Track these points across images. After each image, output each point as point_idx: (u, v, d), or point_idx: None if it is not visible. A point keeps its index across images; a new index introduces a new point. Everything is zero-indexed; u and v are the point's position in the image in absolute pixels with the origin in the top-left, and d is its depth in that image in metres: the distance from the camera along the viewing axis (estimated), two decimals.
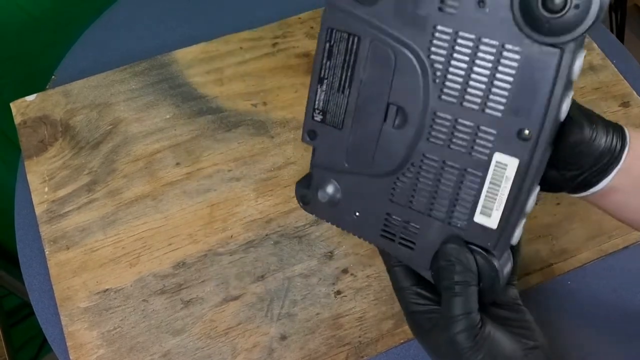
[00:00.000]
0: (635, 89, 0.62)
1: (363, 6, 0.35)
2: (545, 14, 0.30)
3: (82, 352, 0.46)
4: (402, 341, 0.48)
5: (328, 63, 0.37)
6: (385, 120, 0.36)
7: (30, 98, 0.58)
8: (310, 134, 0.39)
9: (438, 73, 0.34)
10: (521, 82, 0.32)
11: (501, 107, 0.33)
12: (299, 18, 0.65)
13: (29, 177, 0.54)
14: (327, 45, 0.36)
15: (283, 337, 0.48)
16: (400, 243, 0.37)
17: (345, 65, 0.36)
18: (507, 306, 0.39)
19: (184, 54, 0.62)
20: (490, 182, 0.35)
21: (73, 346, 0.47)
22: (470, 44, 0.33)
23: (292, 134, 0.57)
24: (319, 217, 0.41)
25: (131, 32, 0.66)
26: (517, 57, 0.32)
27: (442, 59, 0.33)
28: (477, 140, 0.34)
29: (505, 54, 0.32)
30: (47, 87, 0.60)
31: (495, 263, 0.35)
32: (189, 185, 0.54)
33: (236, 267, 0.50)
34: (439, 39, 0.33)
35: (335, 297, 0.49)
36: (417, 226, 0.37)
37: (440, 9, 0.33)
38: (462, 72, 0.33)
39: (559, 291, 0.52)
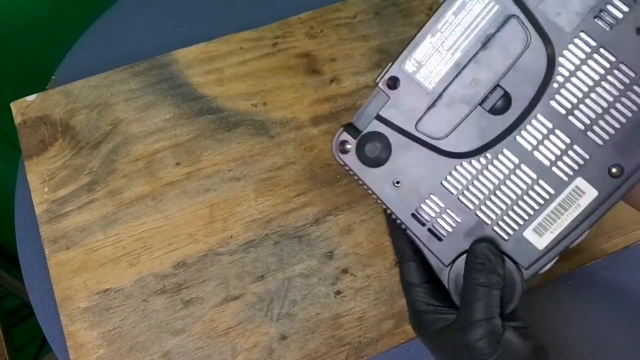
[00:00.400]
0: None
1: None
2: None
3: (82, 352, 0.46)
4: (402, 341, 0.48)
5: (452, 18, 0.33)
6: (483, 101, 0.34)
7: (31, 98, 0.58)
8: (391, 81, 0.35)
9: (560, 78, 0.33)
10: (638, 121, 0.32)
11: (606, 137, 0.32)
12: (299, 18, 0.65)
13: (29, 177, 0.54)
14: (460, 1, 0.33)
15: (283, 337, 0.48)
16: (430, 230, 0.35)
17: (470, 27, 0.33)
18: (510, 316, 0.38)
19: (184, 54, 0.62)
20: (559, 204, 0.34)
21: (73, 346, 0.47)
22: (607, 64, 0.32)
23: (292, 134, 0.57)
24: (352, 170, 0.36)
25: (131, 32, 0.66)
26: None
27: (571, 66, 0.32)
28: (565, 158, 0.33)
29: (636, 88, 0.31)
30: (47, 87, 0.60)
31: (522, 277, 0.35)
32: (189, 185, 0.54)
33: (236, 267, 0.50)
34: (578, 46, 0.32)
35: (335, 297, 0.49)
36: (458, 219, 0.35)
37: (595, 17, 0.32)
38: (584, 87, 0.32)
39: (559, 291, 0.52)
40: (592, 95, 0.32)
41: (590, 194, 0.33)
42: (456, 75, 0.34)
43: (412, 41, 0.34)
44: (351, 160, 0.36)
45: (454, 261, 0.35)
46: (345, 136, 0.36)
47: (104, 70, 0.60)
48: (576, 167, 0.33)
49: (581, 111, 0.33)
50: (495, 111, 0.34)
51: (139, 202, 0.53)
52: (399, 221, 0.36)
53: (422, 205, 0.36)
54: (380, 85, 0.35)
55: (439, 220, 0.35)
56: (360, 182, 0.36)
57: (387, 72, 0.35)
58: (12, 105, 0.58)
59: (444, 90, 0.34)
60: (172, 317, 0.48)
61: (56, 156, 0.55)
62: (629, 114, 0.32)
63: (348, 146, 0.36)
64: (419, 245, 0.36)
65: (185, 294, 0.49)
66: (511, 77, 0.33)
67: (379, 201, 0.36)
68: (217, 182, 0.54)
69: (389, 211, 0.36)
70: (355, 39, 0.64)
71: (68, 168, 0.54)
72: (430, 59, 0.34)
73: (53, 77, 0.62)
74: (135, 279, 0.49)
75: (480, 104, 0.34)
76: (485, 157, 0.34)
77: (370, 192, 0.36)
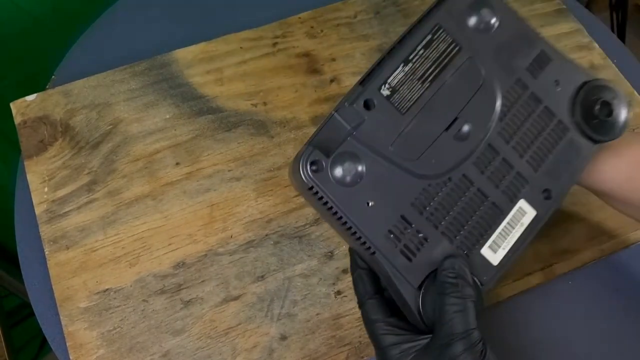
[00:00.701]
0: (636, 88, 0.62)
1: (474, 32, 0.38)
2: (597, 114, 0.39)
3: (82, 352, 0.46)
4: None
5: (421, 51, 0.37)
6: (447, 128, 0.37)
7: (30, 98, 0.58)
8: (367, 103, 0.36)
9: (506, 114, 0.39)
10: (561, 153, 0.39)
11: (539, 166, 0.39)
12: (299, 18, 0.65)
13: (29, 177, 0.54)
14: (429, 37, 0.37)
15: (283, 337, 0.48)
16: (401, 250, 0.36)
17: (437, 62, 0.37)
18: None
19: (184, 54, 0.62)
20: (508, 222, 0.38)
21: (73, 346, 0.46)
22: (536, 105, 0.39)
23: (292, 133, 0.57)
24: (323, 191, 0.34)
25: (131, 32, 0.66)
26: (565, 134, 0.40)
27: (511, 104, 0.39)
28: (513, 182, 0.39)
29: (558, 125, 0.40)
30: (47, 87, 0.60)
31: (480, 293, 0.37)
32: (189, 185, 0.54)
33: (236, 267, 0.50)
34: (516, 89, 0.39)
35: (336, 297, 0.49)
36: (427, 239, 0.36)
37: (527, 69, 0.39)
38: (520, 122, 0.39)
39: (560, 291, 0.52)
40: (529, 128, 0.39)
41: (531, 213, 0.39)
42: (426, 104, 0.37)
43: (383, 67, 0.37)
44: (323, 181, 0.34)
45: (423, 282, 0.36)
46: (318, 155, 0.34)
47: (104, 70, 0.60)
48: (519, 190, 0.39)
49: (521, 142, 0.39)
50: (457, 138, 0.38)
51: (138, 202, 0.53)
52: (367, 245, 0.35)
53: (394, 226, 0.36)
54: (350, 104, 0.36)
55: (408, 240, 0.36)
56: (330, 206, 0.35)
57: (361, 94, 0.36)
58: (12, 105, 0.57)
59: (415, 116, 0.37)
60: (172, 318, 0.48)
61: (56, 156, 0.55)
62: (553, 147, 0.39)
63: (314, 166, 0.34)
64: (387, 270, 0.36)
65: (185, 294, 0.49)
66: (470, 108, 0.38)
67: (348, 225, 0.35)
68: (217, 182, 0.54)
69: (357, 235, 0.35)
70: (356, 39, 0.64)
71: (68, 168, 0.54)
72: (403, 85, 0.37)
73: (53, 77, 0.62)
74: (135, 279, 0.49)
75: (446, 130, 0.37)
76: (450, 179, 0.37)
77: (339, 216, 0.35)
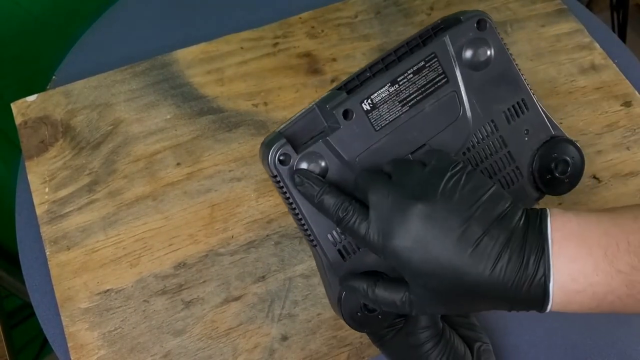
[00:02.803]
0: (637, 88, 0.62)
1: (465, 67, 0.40)
2: (553, 169, 0.41)
3: (83, 352, 0.46)
4: None
5: (410, 76, 0.39)
6: (413, 152, 0.39)
7: (31, 98, 0.58)
8: (347, 113, 0.38)
9: (470, 149, 0.40)
10: (510, 194, 0.39)
11: None
12: (300, 18, 0.65)
13: (30, 178, 0.54)
14: (422, 63, 0.39)
15: (284, 338, 0.48)
16: (339, 250, 0.39)
17: (422, 90, 0.39)
18: None
19: (185, 54, 0.62)
20: None
21: (74, 347, 0.46)
22: (500, 148, 0.41)
23: None
24: (285, 183, 0.37)
25: (132, 32, 0.66)
26: (519, 180, 0.41)
27: (477, 141, 0.40)
28: None
29: (514, 171, 0.41)
30: (48, 87, 0.60)
31: None
32: (190, 186, 0.54)
33: (237, 268, 0.50)
34: (487, 129, 0.41)
35: None
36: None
37: (504, 113, 0.41)
38: (480, 159, 0.40)
39: None
40: (484, 167, 0.41)
41: None
42: (399, 126, 0.39)
43: (369, 83, 0.38)
44: (287, 174, 0.37)
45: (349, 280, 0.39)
46: (288, 149, 0.37)
47: (105, 70, 0.60)
48: None
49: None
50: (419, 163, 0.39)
51: (139, 203, 0.53)
52: (312, 237, 0.38)
53: (338, 228, 0.38)
54: (335, 112, 0.37)
55: (348, 243, 0.39)
56: (287, 197, 0.38)
57: (343, 102, 0.37)
58: (12, 105, 0.57)
59: (386, 135, 0.38)
60: (172, 318, 0.48)
61: (57, 156, 0.55)
62: (504, 189, 0.40)
63: (282, 157, 0.37)
64: (322, 263, 0.39)
65: (186, 294, 0.49)
66: (439, 139, 0.39)
67: (299, 217, 0.38)
68: (218, 183, 0.54)
69: (305, 227, 0.38)
70: (356, 39, 0.64)
71: (68, 168, 0.54)
72: (384, 104, 0.38)
73: (53, 77, 0.62)
74: (136, 280, 0.49)
75: (411, 153, 0.39)
76: None
77: (293, 207, 0.38)
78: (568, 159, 0.41)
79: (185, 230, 0.52)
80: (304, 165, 0.37)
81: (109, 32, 0.66)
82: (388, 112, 0.38)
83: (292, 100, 0.59)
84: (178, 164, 0.55)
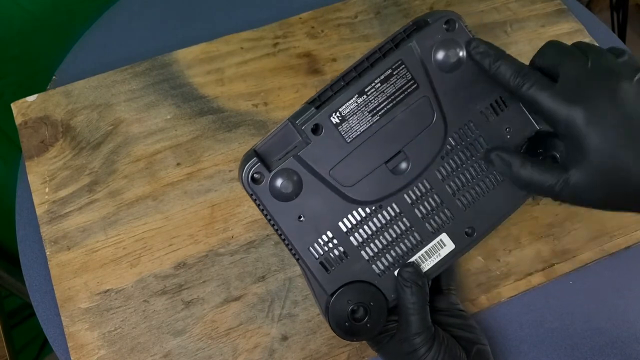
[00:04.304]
0: None
1: (436, 70, 0.39)
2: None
3: (83, 352, 0.46)
4: None
5: (378, 85, 0.38)
6: (388, 161, 0.39)
7: (31, 98, 0.58)
8: (316, 128, 0.38)
9: (448, 153, 0.40)
10: (494, 197, 0.40)
11: (469, 204, 0.41)
12: (300, 18, 0.65)
13: (30, 178, 0.54)
14: (389, 71, 0.39)
15: (284, 338, 0.48)
16: (321, 262, 0.39)
17: (392, 98, 0.39)
18: (448, 312, 0.44)
19: (185, 54, 0.62)
20: (426, 251, 0.41)
21: (74, 347, 0.46)
22: (482, 147, 0.40)
23: None
24: (260, 201, 0.38)
25: (132, 32, 0.66)
26: (498, 180, 0.41)
27: (456, 144, 0.40)
28: (440, 216, 0.41)
29: (492, 174, 0.40)
30: (48, 87, 0.60)
31: (388, 306, 0.41)
32: (190, 186, 0.54)
33: (237, 268, 0.50)
34: (465, 131, 0.40)
35: None
36: (347, 256, 0.40)
37: (482, 113, 0.40)
38: (460, 163, 0.40)
39: (561, 291, 0.52)
40: (467, 170, 0.40)
41: (449, 246, 0.41)
42: (371, 136, 0.39)
43: (337, 96, 0.38)
44: (262, 192, 0.38)
45: (335, 292, 0.40)
46: (260, 168, 0.37)
47: (105, 70, 0.60)
48: (443, 224, 0.41)
49: (455, 181, 0.40)
50: (395, 172, 0.40)
51: (139, 203, 0.53)
52: (293, 251, 0.39)
53: (319, 240, 0.39)
54: (304, 128, 0.38)
55: (329, 255, 0.39)
56: (265, 213, 0.38)
57: (312, 118, 0.38)
58: (12, 105, 0.57)
59: (358, 146, 0.39)
60: (173, 318, 0.48)
61: (57, 157, 0.55)
62: (484, 191, 0.40)
63: (256, 176, 0.38)
64: (307, 275, 0.40)
65: (186, 294, 0.49)
66: (414, 145, 0.39)
67: (279, 232, 0.39)
68: (218, 183, 0.54)
69: (286, 242, 0.39)
70: (356, 39, 0.64)
71: (69, 168, 0.54)
72: (353, 116, 0.38)
73: (54, 77, 0.62)
74: (136, 280, 0.49)
75: (386, 163, 0.39)
76: (379, 207, 0.40)
77: (272, 223, 0.39)
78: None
79: (185, 230, 0.52)
80: (278, 182, 0.38)
81: (109, 32, 0.66)
82: (358, 123, 0.38)
83: (292, 100, 0.59)
84: (178, 164, 0.55)
